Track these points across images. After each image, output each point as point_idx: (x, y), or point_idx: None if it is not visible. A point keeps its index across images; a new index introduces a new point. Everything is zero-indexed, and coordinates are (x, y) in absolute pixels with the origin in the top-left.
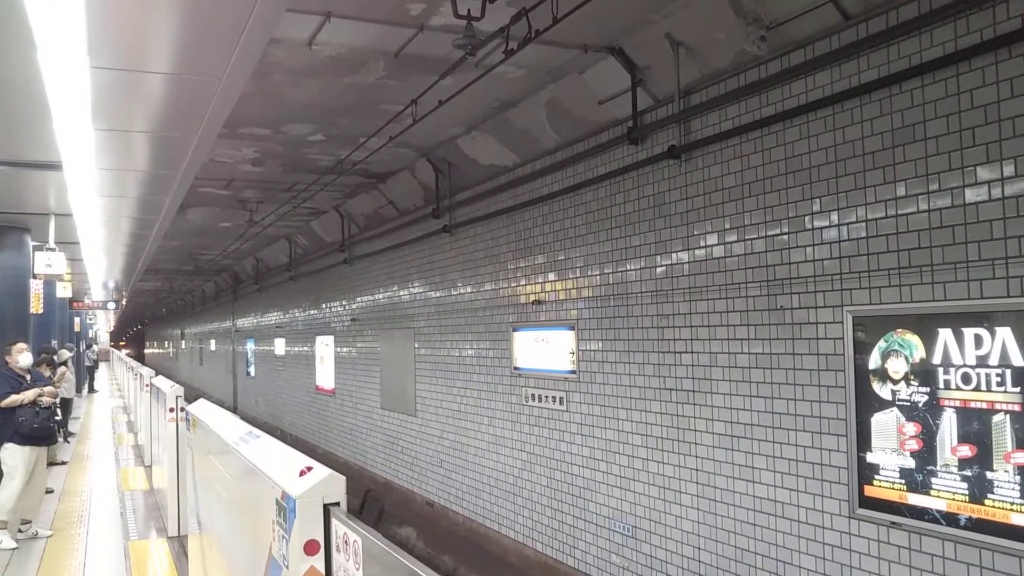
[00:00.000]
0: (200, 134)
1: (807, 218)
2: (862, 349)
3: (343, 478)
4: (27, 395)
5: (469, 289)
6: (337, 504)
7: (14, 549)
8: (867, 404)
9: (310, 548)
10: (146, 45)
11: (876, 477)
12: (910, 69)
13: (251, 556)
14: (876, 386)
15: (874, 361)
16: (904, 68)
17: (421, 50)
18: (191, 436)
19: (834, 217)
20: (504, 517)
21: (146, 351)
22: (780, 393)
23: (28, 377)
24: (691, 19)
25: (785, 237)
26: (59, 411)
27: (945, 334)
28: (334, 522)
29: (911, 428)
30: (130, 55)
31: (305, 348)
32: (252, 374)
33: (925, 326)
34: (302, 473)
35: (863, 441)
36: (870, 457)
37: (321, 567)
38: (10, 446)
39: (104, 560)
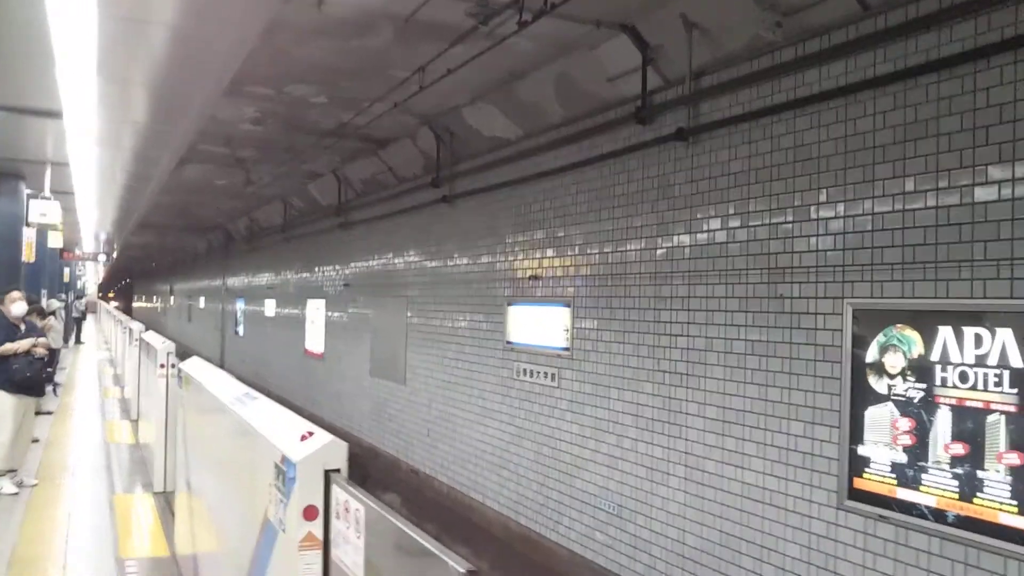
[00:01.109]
0: (205, 91)
1: (812, 208)
2: (860, 342)
3: (345, 444)
4: (22, 344)
5: (465, 261)
6: (338, 471)
7: (15, 495)
8: (862, 397)
9: (309, 513)
10: None
11: (866, 470)
12: (927, 64)
13: (243, 517)
14: (872, 380)
15: (872, 355)
16: (921, 62)
17: (431, 16)
18: (183, 394)
19: (840, 208)
20: (489, 489)
21: (134, 304)
22: (775, 381)
23: (22, 327)
24: (707, 1)
25: (789, 226)
26: (49, 362)
27: (945, 332)
28: (335, 488)
29: (905, 423)
30: (139, 4)
31: (296, 311)
32: (241, 333)
33: (925, 322)
34: (303, 438)
35: (856, 434)
36: (861, 450)
37: (319, 533)
38: (0, 394)
39: (89, 512)
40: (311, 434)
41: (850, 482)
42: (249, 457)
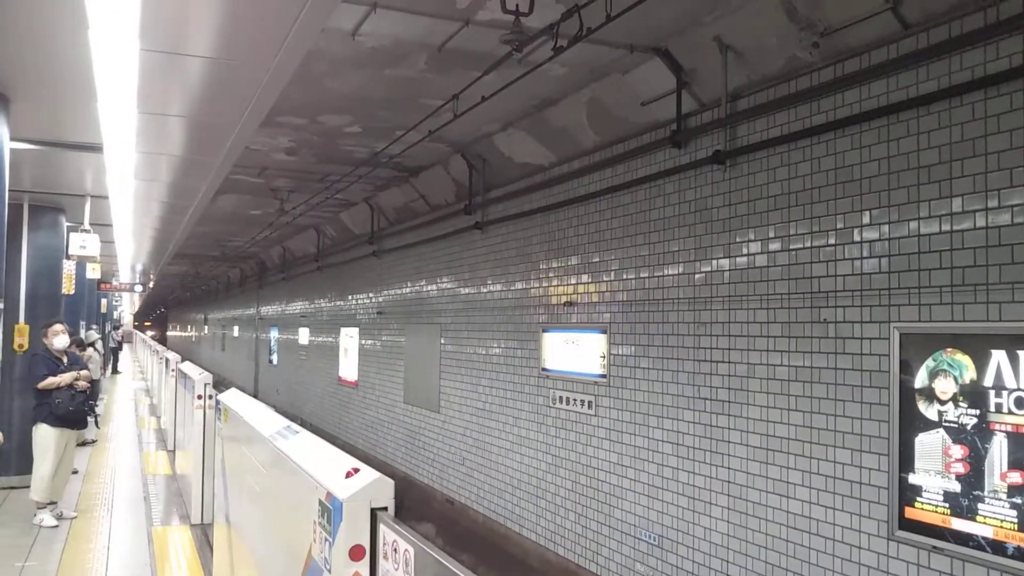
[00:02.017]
0: (242, 122)
1: (856, 230)
2: (908, 367)
3: (391, 482)
4: (64, 378)
5: (499, 287)
6: (385, 509)
7: (55, 527)
8: (911, 424)
9: (355, 553)
10: (197, 28)
11: (918, 499)
12: (973, 81)
13: (286, 554)
14: (922, 406)
15: (920, 380)
16: (967, 80)
17: (465, 44)
18: (222, 426)
19: (884, 230)
20: (526, 519)
21: (169, 334)
22: (820, 408)
23: (65, 359)
24: (742, 23)
25: (832, 249)
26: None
27: (999, 356)
28: (381, 528)
29: (958, 451)
30: (180, 38)
31: (329, 339)
32: (274, 362)
33: (977, 346)
34: (348, 475)
35: (905, 461)
36: (912, 478)
37: (366, 573)
38: (43, 427)
39: (127, 544)
40: (356, 471)
41: (901, 512)
42: (291, 492)
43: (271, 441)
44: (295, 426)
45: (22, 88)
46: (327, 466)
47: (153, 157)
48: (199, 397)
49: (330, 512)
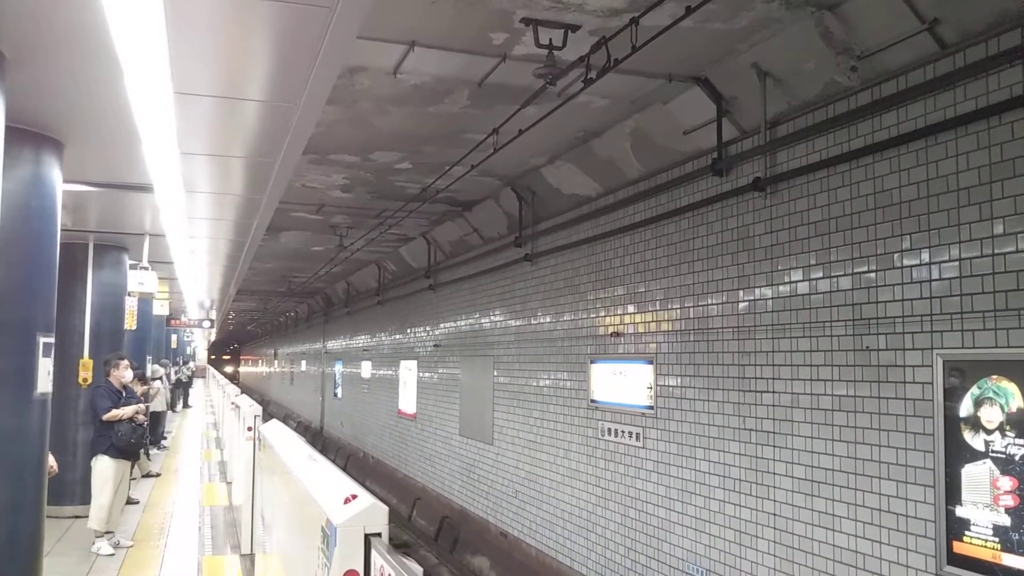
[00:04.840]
0: (281, 158)
1: (896, 256)
2: (953, 395)
3: (385, 508)
4: (126, 411)
5: (548, 319)
6: (378, 535)
7: (111, 555)
8: (957, 454)
9: None
10: (225, 71)
11: (967, 533)
12: (1012, 100)
13: None
14: (967, 435)
15: (966, 409)
16: (1005, 98)
17: (504, 80)
18: (261, 456)
19: (925, 255)
20: (577, 552)
21: (241, 369)
22: (864, 438)
23: (124, 392)
24: (779, 49)
25: (873, 275)
26: (152, 427)
27: None
28: (374, 553)
29: (1007, 482)
30: (210, 81)
31: (389, 372)
32: (339, 395)
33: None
34: (346, 501)
35: (952, 493)
36: (960, 511)
37: None
38: (104, 458)
39: (178, 573)
40: (355, 497)
41: (949, 546)
42: (305, 520)
43: (292, 469)
44: (315, 454)
45: (73, 134)
46: (332, 493)
47: (200, 196)
48: (249, 429)
49: (328, 537)
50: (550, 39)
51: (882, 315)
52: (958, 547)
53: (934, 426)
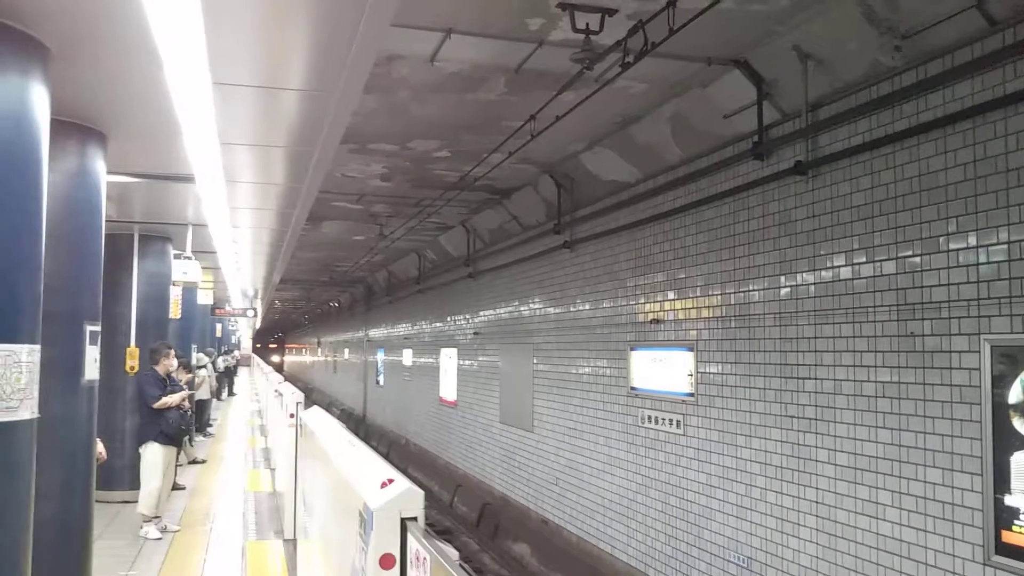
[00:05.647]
0: (320, 146)
1: (942, 239)
2: (1001, 382)
3: (421, 492)
4: (174, 399)
5: (588, 306)
6: (414, 519)
7: (158, 539)
8: (1006, 442)
9: (386, 562)
10: (262, 61)
11: (1016, 522)
12: None
13: (340, 567)
14: (1017, 423)
15: (1015, 395)
16: None
17: (541, 65)
18: (303, 442)
19: (972, 239)
20: (617, 540)
21: (285, 358)
22: (908, 425)
23: (168, 381)
24: (821, 30)
25: (917, 259)
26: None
27: None
28: (410, 537)
29: None
30: (248, 71)
31: (430, 360)
32: (381, 383)
33: None
34: (383, 485)
35: (1001, 482)
36: (1009, 500)
37: None
38: (153, 445)
39: (223, 558)
40: (391, 481)
41: (997, 535)
42: (343, 504)
43: (331, 455)
44: (354, 440)
45: (116, 126)
46: (369, 478)
47: (241, 186)
48: (291, 416)
49: (365, 522)
50: (587, 23)
51: (927, 300)
52: (1007, 536)
53: (981, 413)
